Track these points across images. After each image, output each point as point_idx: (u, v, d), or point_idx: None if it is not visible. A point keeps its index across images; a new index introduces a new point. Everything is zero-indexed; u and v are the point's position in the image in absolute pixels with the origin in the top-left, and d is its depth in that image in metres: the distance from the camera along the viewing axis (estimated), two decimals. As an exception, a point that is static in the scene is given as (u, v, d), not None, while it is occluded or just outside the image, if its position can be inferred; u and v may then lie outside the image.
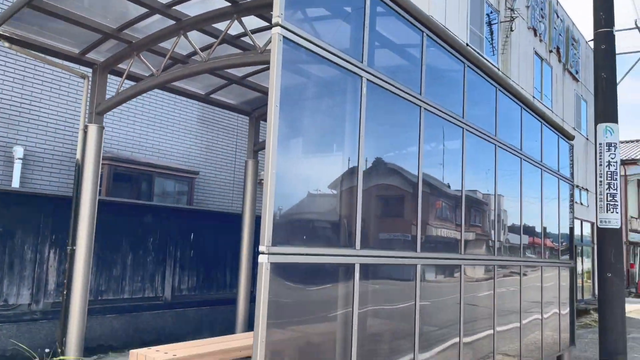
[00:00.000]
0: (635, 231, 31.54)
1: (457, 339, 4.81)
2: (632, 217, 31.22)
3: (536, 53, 17.01)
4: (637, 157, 31.66)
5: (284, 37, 3.03)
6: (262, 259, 2.87)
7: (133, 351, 5.64)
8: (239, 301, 8.02)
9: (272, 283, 2.90)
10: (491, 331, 5.50)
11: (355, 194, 3.58)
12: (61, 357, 5.38)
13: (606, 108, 9.09)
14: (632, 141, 36.61)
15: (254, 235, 8.24)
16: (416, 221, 4.30)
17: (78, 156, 5.74)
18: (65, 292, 5.52)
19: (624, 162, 31.16)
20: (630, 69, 25.76)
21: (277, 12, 3.00)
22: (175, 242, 8.67)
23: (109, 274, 7.71)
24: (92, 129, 5.80)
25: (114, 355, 7.49)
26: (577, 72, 20.44)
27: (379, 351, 3.88)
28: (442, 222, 4.85)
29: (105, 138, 6.17)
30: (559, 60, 18.98)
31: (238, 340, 6.51)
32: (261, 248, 2.89)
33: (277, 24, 3.01)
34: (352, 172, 3.61)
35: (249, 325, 8.01)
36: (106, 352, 7.47)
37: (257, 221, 8.52)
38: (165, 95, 10.10)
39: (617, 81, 25.41)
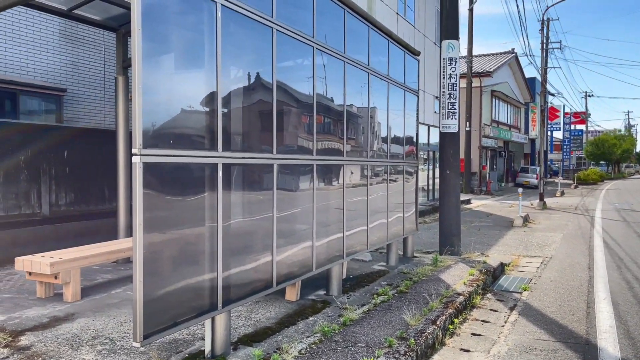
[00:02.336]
0: (488, 137, 35.43)
1: (310, 237, 5.84)
2: (485, 124, 34.92)
3: (400, -30, 17.91)
4: (491, 70, 34.95)
5: (141, -33, 3.47)
6: (135, 159, 3.48)
7: (18, 258, 6.05)
8: (119, 211, 8.52)
9: (145, 183, 3.53)
10: (342, 215, 6.64)
11: (215, 101, 4.23)
12: (-54, 267, 5.64)
13: (448, 26, 10.31)
14: (487, 55, 40.06)
15: (129, 149, 8.60)
16: (273, 130, 5.08)
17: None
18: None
19: (480, 74, 34.29)
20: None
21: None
22: (48, 160, 8.76)
23: (-19, 192, 7.75)
24: (-51, 45, 5.71)
25: (-4, 269, 7.74)
26: (437, -11, 21.77)
27: (242, 243, 4.73)
28: (295, 131, 5.68)
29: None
30: (421, -23, 20.11)
31: (121, 244, 7.12)
32: (134, 150, 3.49)
33: (134, -45, 3.43)
34: (212, 82, 4.23)
35: (131, 233, 8.59)
36: (-13, 267, 7.69)
37: (131, 136, 8.86)
38: (22, 10, 9.62)
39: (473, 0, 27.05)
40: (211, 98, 4.21)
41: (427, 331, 5.23)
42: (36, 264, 5.83)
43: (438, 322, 5.56)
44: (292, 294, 6.28)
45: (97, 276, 7.36)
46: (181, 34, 4.06)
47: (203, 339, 4.86)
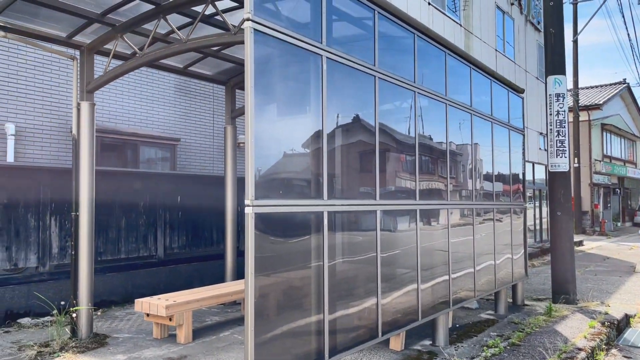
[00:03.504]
0: (599, 173, 33.07)
1: (415, 276, 5.71)
2: (596, 160, 32.68)
3: (498, 6, 17.63)
4: (600, 102, 32.87)
5: (254, 29, 3.69)
6: (247, 210, 3.63)
7: (138, 300, 6.44)
8: (227, 255, 8.85)
9: (256, 231, 3.66)
10: (447, 255, 6.42)
11: (321, 152, 4.33)
12: (76, 308, 6.15)
13: (554, 61, 9.90)
14: (596, 86, 37.79)
15: (237, 195, 9.00)
16: (375, 174, 5.10)
17: (74, 131, 6.34)
18: (73, 253, 6.22)
19: (588, 108, 32.37)
20: (588, 22, 26.59)
21: (248, 9, 3.66)
22: (163, 205, 9.39)
23: (106, 237, 8.43)
24: (84, 106, 6.39)
25: (116, 308, 8.30)
26: (538, 23, 21.12)
27: (347, 283, 4.72)
28: (399, 175, 5.66)
29: (95, 113, 6.75)
30: (521, 12, 19.64)
31: (228, 287, 7.37)
32: (246, 202, 3.64)
33: (248, 19, 3.67)
34: (317, 134, 4.35)
35: (237, 276, 8.88)
36: (109, 306, 8.27)
37: (238, 182, 9.27)
38: (143, 69, 10.58)
39: (579, 30, 25.87)
40: (317, 150, 4.32)
41: (547, 390, 4.83)
42: (153, 306, 6.18)
43: (558, 380, 5.12)
44: (397, 343, 6.11)
45: (207, 318, 7.65)
46: (288, 86, 4.24)
47: (309, 387, 4.84)
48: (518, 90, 9.18)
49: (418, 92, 5.90)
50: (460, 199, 6.95)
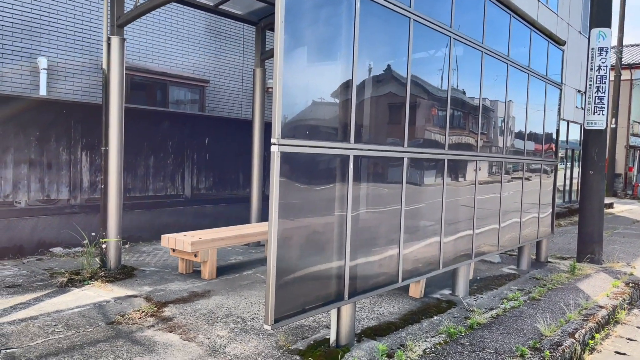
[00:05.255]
0: (637, 135, 32.00)
1: (439, 222, 5.68)
2: (634, 121, 31.55)
3: (544, -46, 16.69)
4: (645, 61, 31.38)
5: (287, -39, 3.56)
6: (273, 149, 3.61)
7: (164, 235, 6.60)
8: (253, 198, 8.95)
9: (282, 171, 3.64)
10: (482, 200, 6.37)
11: (350, 97, 4.24)
12: (105, 239, 6.34)
13: (600, 13, 9.40)
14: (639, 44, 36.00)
15: (264, 140, 9.00)
16: (404, 123, 4.99)
17: (104, 66, 6.35)
18: (102, 186, 6.36)
19: (631, 66, 31.01)
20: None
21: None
22: (192, 146, 9.46)
23: (134, 174, 8.58)
24: (115, 40, 6.36)
25: (143, 244, 8.54)
26: (586, -27, 19.98)
27: (369, 235, 4.72)
28: (428, 126, 5.53)
29: (125, 49, 6.73)
30: (568, -39, 18.57)
31: (253, 228, 7.48)
32: (273, 140, 3.61)
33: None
34: (347, 78, 4.24)
35: (262, 220, 9.00)
36: (136, 241, 8.52)
37: (266, 126, 9.25)
38: (174, 6, 10.44)
39: (625, -17, 24.40)
40: (346, 91, 4.23)
41: (564, 344, 4.83)
42: (179, 241, 6.32)
43: (577, 336, 5.12)
44: (416, 291, 6.17)
45: (231, 257, 7.82)
46: (319, 28, 4.12)
47: (327, 327, 4.95)
48: (559, 42, 8.78)
49: (454, 38, 5.69)
50: (490, 152, 6.80)
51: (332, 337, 4.43)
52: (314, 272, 4.05)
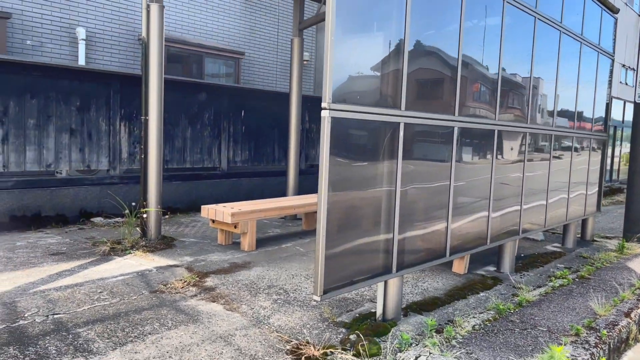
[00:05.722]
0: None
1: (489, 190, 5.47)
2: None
3: None
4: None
5: None
6: (324, 114, 3.45)
7: (204, 206, 6.56)
8: (289, 172, 8.84)
9: (332, 137, 3.49)
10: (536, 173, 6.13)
11: (401, 61, 4.04)
12: (146, 209, 6.33)
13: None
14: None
15: (301, 112, 8.84)
16: (455, 89, 4.77)
17: (144, 34, 6.25)
18: (142, 156, 6.33)
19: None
20: None
21: None
22: (228, 119, 9.38)
23: (172, 146, 8.56)
24: (154, 7, 6.25)
25: (181, 215, 8.56)
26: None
27: (417, 208, 4.55)
28: (477, 95, 5.29)
29: (164, 17, 6.62)
30: None
31: (291, 200, 7.39)
32: (323, 104, 3.45)
33: None
34: (399, 40, 4.04)
35: (298, 193, 8.90)
36: (174, 213, 8.53)
37: (303, 99, 9.09)
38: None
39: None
40: (397, 57, 4.03)
41: (620, 324, 4.62)
42: (219, 212, 6.27)
43: (632, 315, 4.89)
44: (460, 266, 6.00)
45: (269, 230, 7.76)
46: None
47: (371, 300, 4.84)
48: (613, 10, 8.32)
49: (507, 2, 5.39)
50: (539, 124, 6.50)
51: (379, 311, 4.31)
52: (362, 244, 3.92)
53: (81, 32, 8.51)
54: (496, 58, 5.39)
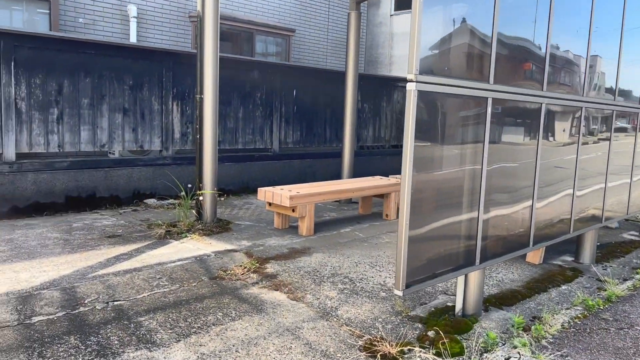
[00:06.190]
0: None
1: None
2: None
3: None
4: None
5: None
6: (410, 86, 3.07)
7: (261, 189, 6.29)
8: (344, 153, 8.46)
9: (417, 112, 3.11)
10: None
11: (492, 29, 3.61)
12: (202, 191, 6.11)
13: None
14: None
15: (357, 91, 8.43)
16: (544, 64, 4.29)
17: (199, 8, 5.97)
18: (198, 136, 6.09)
19: None
20: None
21: None
22: (280, 98, 9.07)
23: (224, 126, 8.32)
24: (209, -20, 5.95)
25: (234, 197, 8.35)
26: None
27: (502, 186, 4.13)
28: (565, 69, 4.79)
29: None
30: None
31: (348, 184, 7.05)
32: (409, 76, 3.07)
33: None
34: (489, 11, 3.60)
35: (353, 176, 8.54)
36: (227, 194, 8.33)
37: (360, 78, 8.67)
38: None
39: None
40: (485, 26, 3.59)
41: None
42: (277, 195, 5.99)
43: None
44: (536, 256, 5.54)
45: (324, 214, 7.46)
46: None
47: (444, 292, 4.48)
48: None
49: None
50: (625, 103, 5.92)
51: (458, 306, 3.94)
52: (445, 234, 3.55)
53: (133, 10, 8.33)
54: (585, 36, 4.86)
